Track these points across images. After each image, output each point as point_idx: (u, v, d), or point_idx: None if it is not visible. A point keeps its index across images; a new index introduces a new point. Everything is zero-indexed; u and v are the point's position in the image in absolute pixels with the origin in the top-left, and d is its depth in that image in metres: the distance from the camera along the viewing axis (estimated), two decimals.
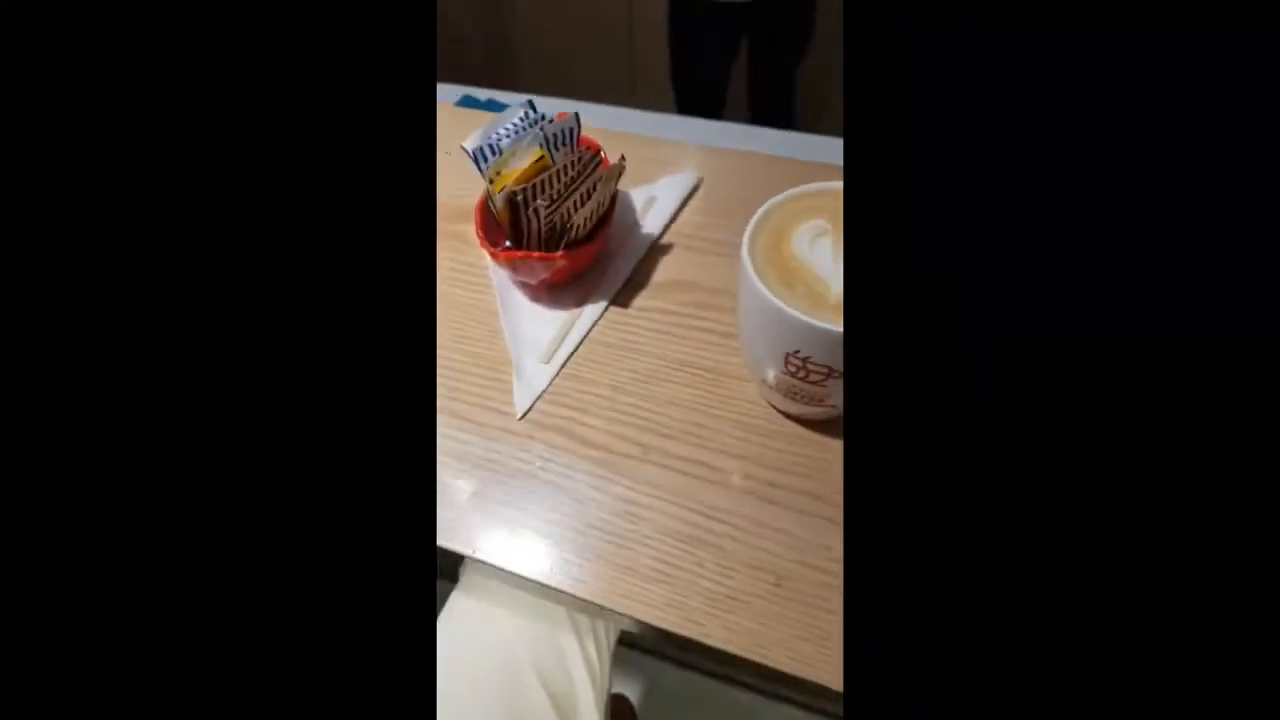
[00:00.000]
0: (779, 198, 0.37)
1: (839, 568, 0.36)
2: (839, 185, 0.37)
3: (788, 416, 0.41)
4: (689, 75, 1.30)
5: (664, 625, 0.35)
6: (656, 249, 0.51)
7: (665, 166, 0.57)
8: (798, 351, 0.33)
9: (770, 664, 0.34)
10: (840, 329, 0.31)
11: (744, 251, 0.34)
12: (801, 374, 0.34)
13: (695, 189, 0.56)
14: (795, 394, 0.37)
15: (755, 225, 0.35)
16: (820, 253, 0.34)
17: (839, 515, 0.38)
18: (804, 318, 0.31)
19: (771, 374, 0.36)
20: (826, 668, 0.33)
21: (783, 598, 0.35)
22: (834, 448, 0.40)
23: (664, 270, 0.51)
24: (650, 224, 0.52)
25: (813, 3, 1.15)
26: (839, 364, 0.33)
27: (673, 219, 0.53)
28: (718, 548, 0.37)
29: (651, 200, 0.53)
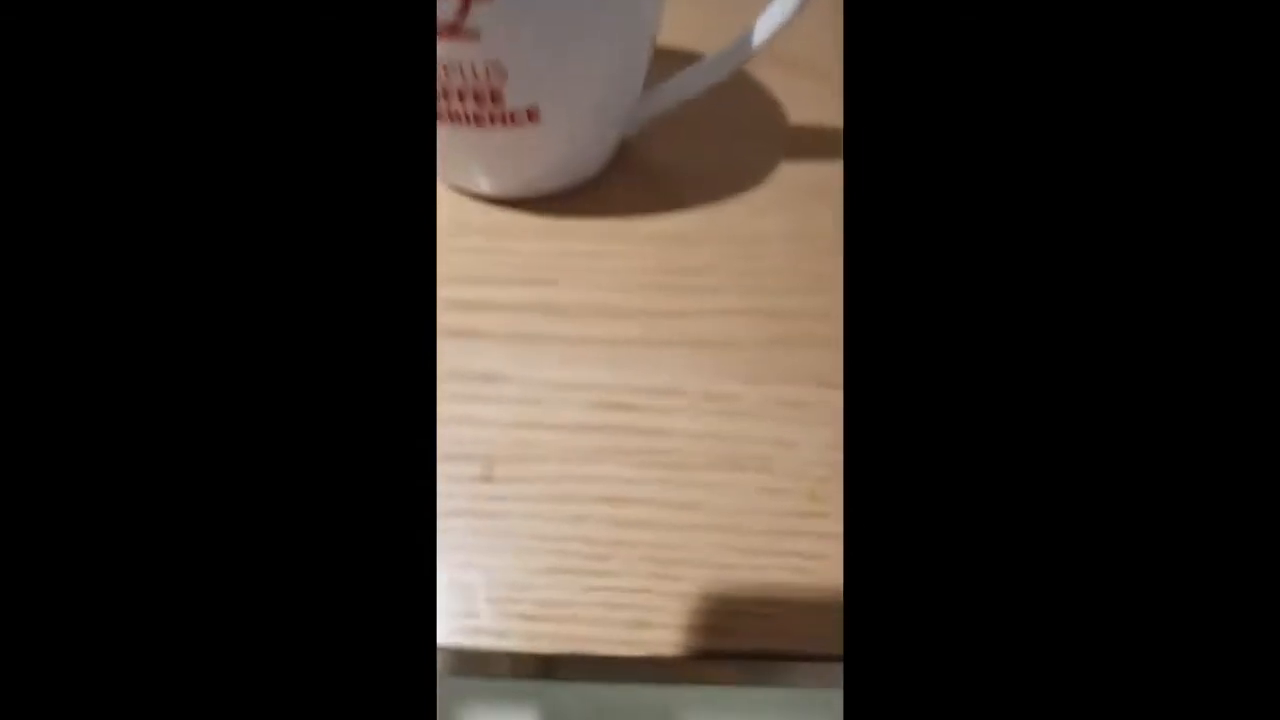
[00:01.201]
0: None
1: (604, 416, 0.19)
2: None
3: (494, 202, 0.23)
4: None
5: None
6: None
7: None
8: None
9: (467, 644, 0.16)
10: None
11: None
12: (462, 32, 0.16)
13: None
14: (456, 95, 0.18)
15: None
16: None
17: (587, 329, 0.20)
18: None
19: None
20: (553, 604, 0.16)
21: (498, 500, 0.17)
22: (570, 230, 0.23)
23: None
24: None
25: None
26: None
27: None
28: None
29: None
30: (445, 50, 0.17)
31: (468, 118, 0.19)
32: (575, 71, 0.19)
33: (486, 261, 0.22)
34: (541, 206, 0.23)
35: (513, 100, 0.18)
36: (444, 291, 0.21)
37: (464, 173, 0.22)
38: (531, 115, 0.19)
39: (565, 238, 0.22)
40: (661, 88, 0.22)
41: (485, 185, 0.22)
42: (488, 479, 0.17)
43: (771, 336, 0.20)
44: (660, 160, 0.25)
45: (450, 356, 0.19)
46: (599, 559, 0.17)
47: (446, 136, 0.20)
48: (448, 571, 0.16)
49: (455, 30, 0.16)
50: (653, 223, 0.23)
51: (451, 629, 0.16)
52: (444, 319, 0.20)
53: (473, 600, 0.16)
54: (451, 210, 0.23)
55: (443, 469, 0.17)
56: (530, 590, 0.16)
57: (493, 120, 0.19)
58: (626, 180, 0.24)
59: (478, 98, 0.18)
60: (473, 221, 0.23)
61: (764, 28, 0.21)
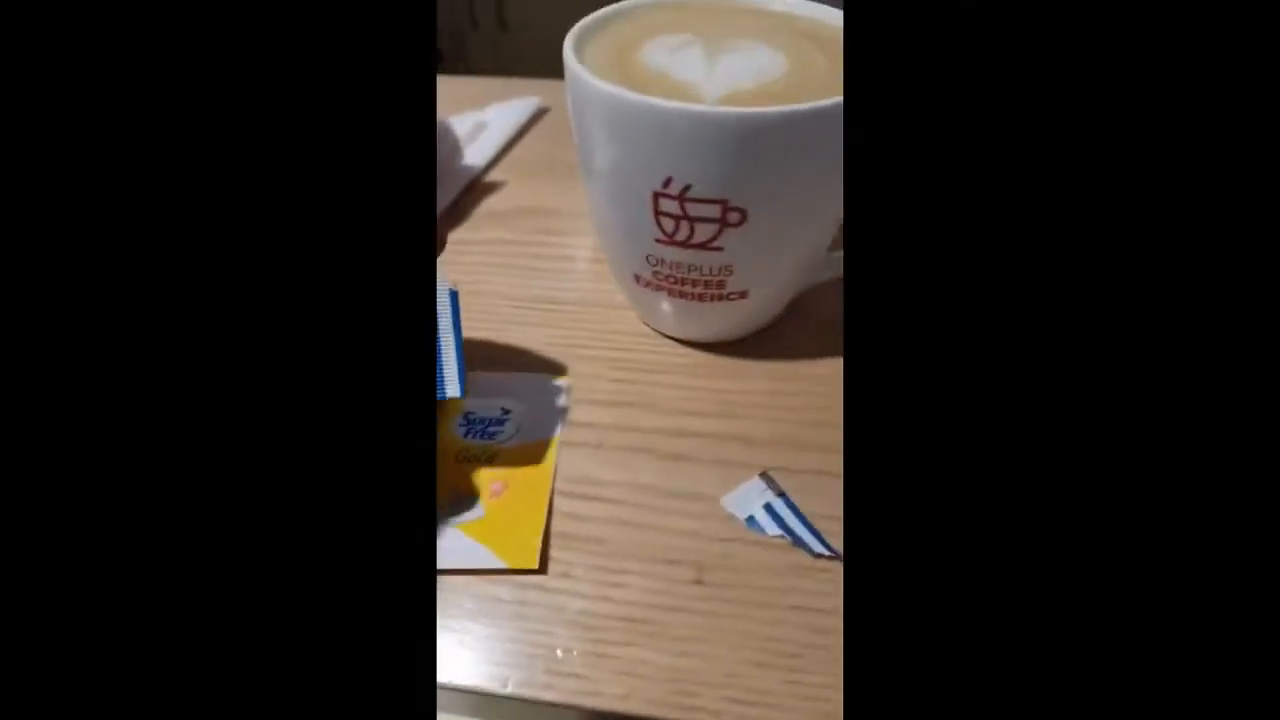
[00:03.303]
0: (616, 7, 0.25)
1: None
2: None
3: (689, 345, 0.29)
4: None
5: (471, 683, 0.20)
6: (486, 179, 0.39)
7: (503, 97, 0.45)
8: (669, 183, 0.20)
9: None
10: (727, 113, 0.19)
11: (570, 59, 0.22)
12: (685, 233, 0.22)
13: (539, 115, 0.44)
14: (684, 284, 0.24)
15: (583, 32, 0.24)
16: (687, 60, 0.22)
17: (776, 458, 0.25)
18: (673, 104, 0.19)
19: (643, 263, 0.24)
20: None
21: (709, 600, 0.22)
22: (757, 371, 0.28)
23: (503, 199, 0.38)
24: (477, 153, 0.39)
25: None
26: (734, 192, 0.20)
27: (508, 145, 0.41)
28: (598, 541, 0.23)
29: (480, 127, 0.41)
30: (693, 256, 0.22)
31: (692, 296, 0.24)
32: (784, 266, 0.24)
33: (688, 397, 0.27)
34: (728, 349, 0.28)
35: (731, 287, 0.24)
36: (656, 421, 0.26)
37: (674, 326, 0.28)
38: (742, 295, 0.24)
39: (752, 378, 0.27)
40: (832, 257, 0.28)
41: (687, 334, 0.28)
42: (699, 582, 0.22)
43: None
44: (825, 312, 0.30)
45: (665, 477, 0.24)
46: (792, 656, 0.20)
47: (668, 303, 0.25)
48: (666, 657, 0.21)
49: (706, 246, 0.22)
50: (822, 366, 0.28)
51: (669, 705, 0.20)
52: (658, 444, 0.25)
53: (688, 684, 0.20)
54: (658, 354, 0.29)
55: (661, 570, 0.22)
56: (739, 678, 0.20)
57: (712, 299, 0.24)
58: (797, 328, 0.29)
59: (705, 284, 0.24)
60: (674, 363, 0.28)
61: None
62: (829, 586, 0.21)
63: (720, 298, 0.24)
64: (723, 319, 0.26)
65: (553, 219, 0.36)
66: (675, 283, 0.24)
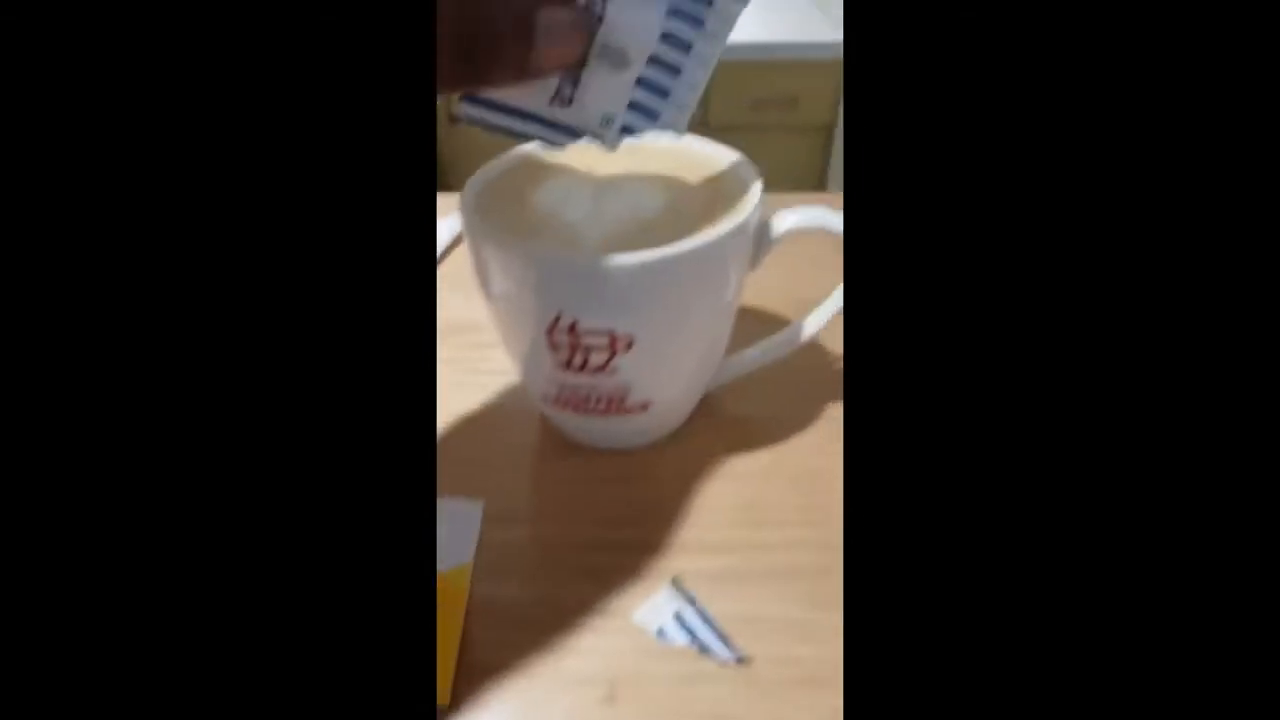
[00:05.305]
0: (515, 153, 0.27)
1: (691, 651, 0.23)
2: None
3: (605, 453, 0.30)
4: None
5: None
6: None
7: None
8: (558, 319, 0.22)
9: None
10: (605, 261, 0.20)
11: (466, 207, 0.24)
12: (579, 360, 0.23)
13: None
14: (589, 402, 0.25)
15: (482, 178, 0.26)
16: (575, 203, 0.25)
17: (686, 562, 0.26)
18: (552, 254, 0.21)
19: (548, 385, 0.25)
20: None
21: (621, 717, 0.22)
22: (670, 473, 0.29)
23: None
24: None
25: None
26: (620, 323, 0.22)
27: (440, 258, 0.43)
28: (511, 668, 0.23)
29: None
30: (591, 379, 0.24)
31: (598, 412, 0.26)
32: (680, 380, 0.26)
33: (602, 506, 0.28)
34: (643, 454, 0.29)
35: (631, 401, 0.25)
36: (571, 534, 0.27)
37: (587, 438, 0.29)
38: (644, 406, 0.26)
39: (665, 481, 0.28)
40: (734, 360, 0.29)
41: (601, 444, 0.29)
42: (611, 699, 0.22)
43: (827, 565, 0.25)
44: (736, 409, 0.31)
45: (577, 594, 0.25)
46: None
47: (578, 419, 0.27)
48: None
49: (601, 369, 0.23)
50: (735, 463, 0.29)
51: None
52: (571, 559, 0.26)
53: None
54: (573, 464, 0.30)
55: (574, 691, 0.22)
56: None
57: (616, 413, 0.26)
58: (708, 427, 0.31)
59: (608, 402, 0.25)
60: (589, 473, 0.29)
61: (816, 321, 0.28)
62: (736, 692, 0.22)
63: (624, 411, 0.26)
64: (631, 429, 0.28)
65: (478, 334, 0.38)
66: (580, 400, 0.25)
